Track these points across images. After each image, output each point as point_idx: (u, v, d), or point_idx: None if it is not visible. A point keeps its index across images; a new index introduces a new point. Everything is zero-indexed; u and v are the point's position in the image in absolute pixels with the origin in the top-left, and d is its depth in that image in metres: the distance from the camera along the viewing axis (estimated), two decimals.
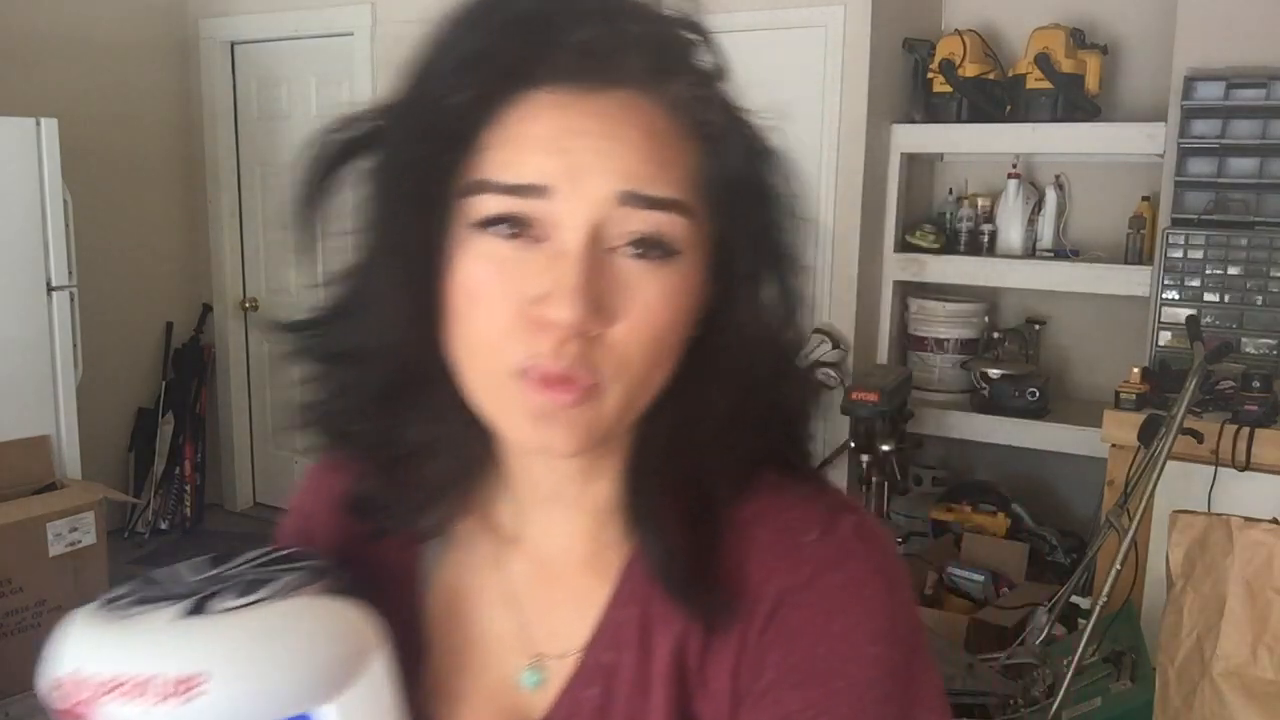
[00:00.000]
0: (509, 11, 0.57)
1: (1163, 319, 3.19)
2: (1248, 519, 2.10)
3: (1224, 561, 2.08)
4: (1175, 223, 3.17)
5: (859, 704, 0.58)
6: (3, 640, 3.03)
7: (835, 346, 3.57)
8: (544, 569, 0.68)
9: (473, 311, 0.58)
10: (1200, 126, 3.11)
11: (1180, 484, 2.55)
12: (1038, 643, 2.52)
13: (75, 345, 3.52)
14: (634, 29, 0.58)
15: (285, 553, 0.65)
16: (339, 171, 0.61)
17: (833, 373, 3.53)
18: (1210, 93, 3.08)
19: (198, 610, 0.58)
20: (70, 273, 3.49)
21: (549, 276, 0.56)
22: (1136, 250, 3.42)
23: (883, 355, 3.82)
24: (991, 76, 3.56)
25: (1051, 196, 3.66)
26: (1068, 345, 3.81)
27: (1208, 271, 3.12)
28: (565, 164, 0.55)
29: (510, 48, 0.56)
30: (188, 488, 4.65)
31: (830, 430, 3.70)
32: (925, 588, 3.31)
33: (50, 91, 3.98)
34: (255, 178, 4.67)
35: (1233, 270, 3.09)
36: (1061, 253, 3.63)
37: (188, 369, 4.68)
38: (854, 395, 3.18)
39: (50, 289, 3.43)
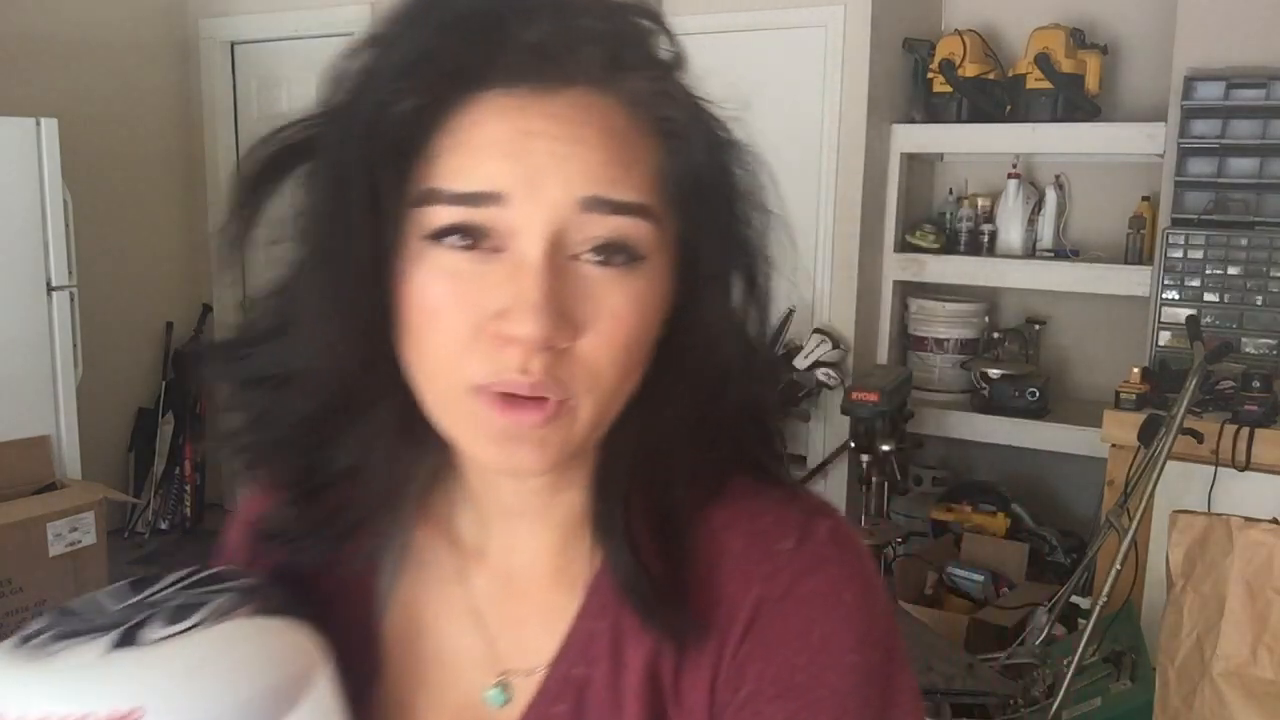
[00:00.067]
0: (452, 9, 0.54)
1: (1163, 319, 3.19)
2: (1248, 519, 2.10)
3: (1224, 561, 2.08)
4: (1175, 223, 3.17)
5: (840, 713, 0.57)
6: (2, 640, 3.02)
7: (835, 346, 3.57)
8: (509, 583, 0.66)
9: (429, 329, 0.55)
10: (1200, 126, 3.11)
11: (1180, 484, 2.55)
12: (1038, 643, 2.52)
13: (75, 345, 3.51)
14: (587, 23, 0.54)
15: (210, 573, 0.61)
16: (273, 183, 0.58)
17: (833, 373, 3.54)
18: (1210, 93, 3.08)
19: (126, 642, 0.54)
20: (70, 273, 3.48)
21: (509, 290, 0.53)
22: (1136, 250, 3.42)
23: (883, 355, 3.82)
24: (991, 76, 3.56)
25: (1051, 196, 3.66)
26: (1068, 345, 3.81)
27: (1208, 271, 3.11)
28: (521, 169, 0.52)
29: (456, 48, 0.53)
30: (188, 488, 4.66)
31: (830, 430, 3.70)
32: (925, 588, 3.32)
33: (50, 91, 3.98)
34: None
35: (1233, 270, 3.09)
36: (1061, 253, 3.63)
37: (188, 369, 4.69)
38: (854, 395, 3.18)
39: (50, 289, 3.43)
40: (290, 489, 0.64)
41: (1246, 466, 2.57)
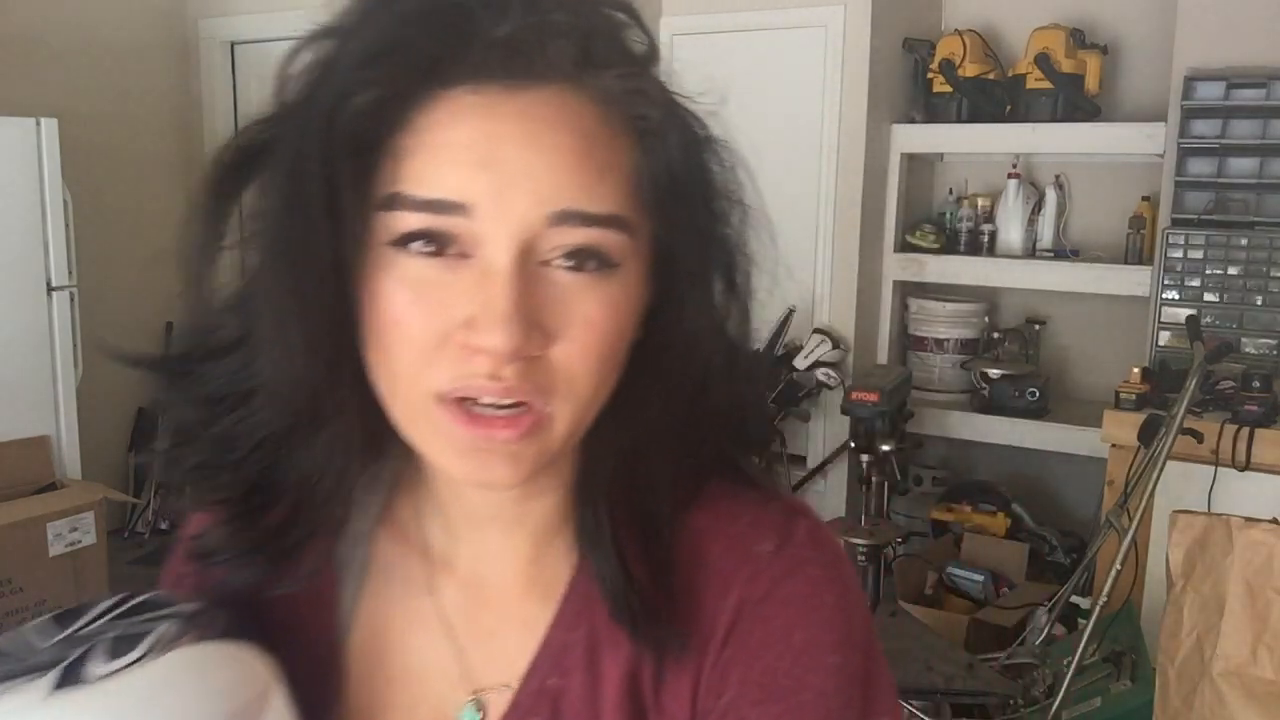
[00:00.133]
0: (418, 0, 0.51)
1: (1163, 319, 3.19)
2: (1248, 519, 2.10)
3: (1224, 561, 2.08)
4: (1175, 223, 3.17)
5: (824, 715, 0.57)
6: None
7: (835, 346, 3.57)
8: (479, 593, 0.63)
9: (393, 338, 0.52)
10: (1200, 126, 3.11)
11: (1180, 484, 2.55)
12: (1038, 643, 2.52)
13: (75, 345, 3.51)
14: (559, 16, 0.52)
15: (141, 600, 0.58)
16: (237, 188, 0.55)
17: (833, 373, 3.54)
18: (1210, 93, 3.08)
19: (70, 680, 0.52)
20: (70, 273, 3.48)
21: (477, 298, 0.50)
22: (1136, 250, 3.43)
23: (883, 355, 3.82)
24: (991, 76, 3.56)
25: (1051, 196, 3.66)
26: (1068, 345, 3.82)
27: (1208, 271, 3.12)
28: (488, 179, 0.50)
29: (422, 40, 0.50)
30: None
31: (830, 430, 3.70)
32: (925, 588, 3.32)
33: (50, 91, 3.98)
34: None
35: (1233, 270, 3.09)
36: (1061, 253, 3.63)
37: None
38: (854, 395, 3.18)
39: (50, 289, 3.43)
40: (230, 505, 0.60)
41: (1246, 466, 2.57)
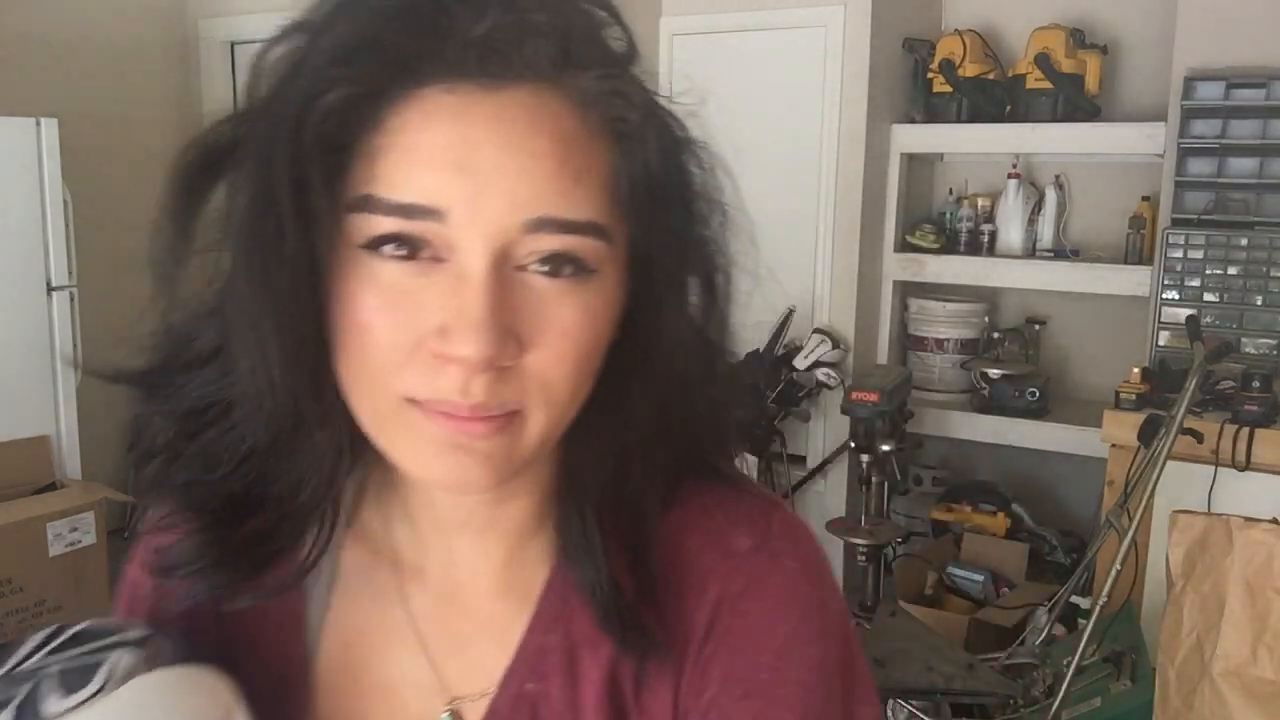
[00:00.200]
0: None
1: (1163, 319, 3.19)
2: (1248, 519, 2.10)
3: (1224, 561, 2.08)
4: (1175, 223, 3.17)
5: (806, 707, 0.57)
6: (2, 640, 3.03)
7: (835, 346, 3.57)
8: (452, 600, 0.62)
9: (361, 343, 0.51)
10: (1200, 126, 3.11)
11: (1180, 484, 2.55)
12: (1038, 643, 2.52)
13: (75, 345, 3.51)
14: (538, 15, 0.51)
15: (78, 630, 0.56)
16: (205, 188, 0.53)
17: (833, 373, 3.54)
18: (1210, 93, 3.08)
19: (27, 718, 0.50)
20: (70, 273, 3.48)
21: (450, 305, 0.49)
22: (1136, 250, 3.43)
23: (883, 355, 3.82)
24: (991, 76, 3.56)
25: (1051, 196, 3.66)
26: (1068, 345, 3.81)
27: (1207, 271, 3.12)
28: (463, 184, 0.48)
29: (396, 36, 0.49)
30: None
31: (830, 430, 3.70)
32: (925, 588, 3.32)
33: (50, 91, 3.98)
34: None
35: (1232, 270, 3.09)
36: (1061, 253, 3.63)
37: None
38: (854, 395, 3.18)
39: (50, 289, 3.43)
40: (205, 516, 0.58)
41: (1246, 466, 2.57)
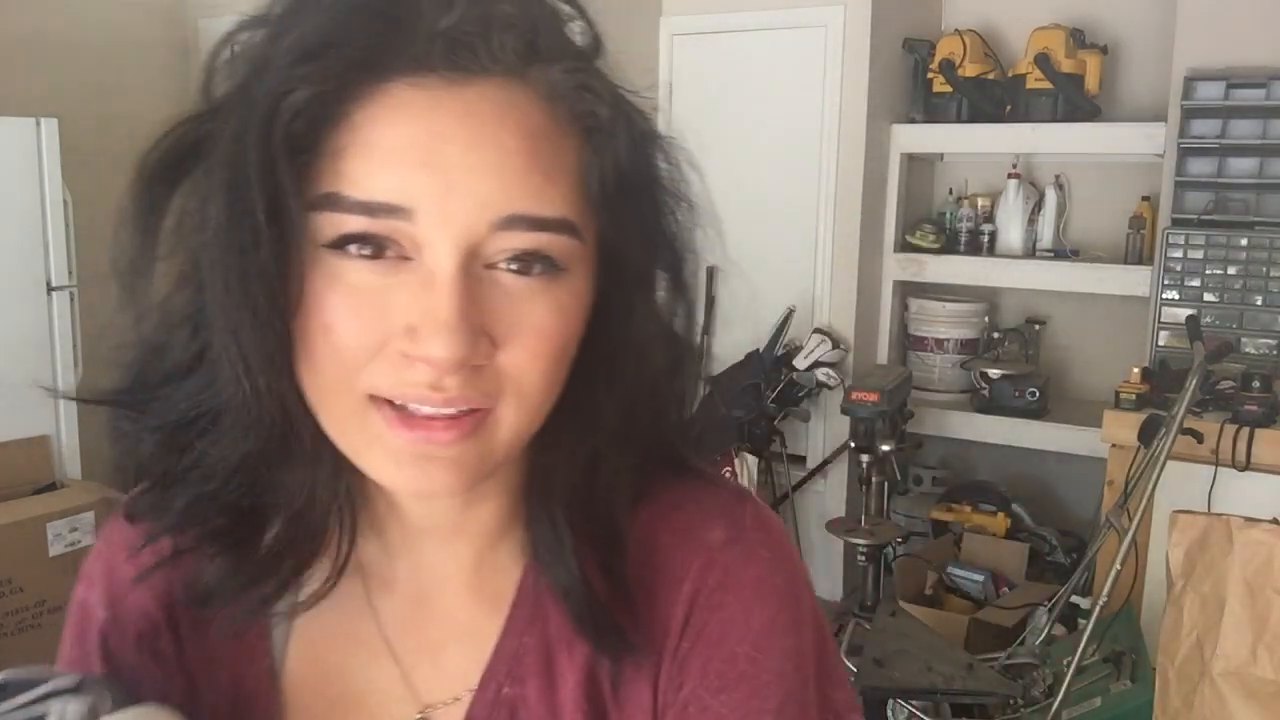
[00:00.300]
0: None
1: (1163, 319, 3.19)
2: (1248, 519, 2.10)
3: (1224, 561, 2.08)
4: (1175, 223, 3.17)
5: (784, 696, 0.57)
6: (3, 640, 3.02)
7: (835, 346, 3.57)
8: (421, 607, 0.61)
9: (328, 346, 0.49)
10: (1200, 126, 3.11)
11: (1180, 484, 2.55)
12: (1038, 643, 2.52)
13: (75, 345, 3.51)
14: (504, 7, 0.50)
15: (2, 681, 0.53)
16: (168, 190, 0.51)
17: (833, 373, 3.54)
18: (1210, 93, 3.08)
19: None
20: (70, 273, 3.48)
21: (418, 305, 0.48)
22: (1136, 250, 3.43)
23: (883, 355, 3.82)
24: (991, 76, 3.56)
25: (1051, 196, 3.66)
26: (1068, 345, 3.82)
27: (1207, 271, 3.12)
28: (431, 182, 0.47)
29: (361, 32, 0.48)
30: None
31: (830, 430, 3.70)
32: (925, 588, 3.31)
33: (50, 91, 3.98)
34: None
35: (1232, 270, 3.09)
36: (1061, 253, 3.63)
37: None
38: (854, 395, 3.18)
39: (50, 289, 3.43)
40: (218, 540, 0.57)
41: (1246, 466, 2.57)
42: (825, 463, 3.71)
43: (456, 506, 0.59)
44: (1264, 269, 3.05)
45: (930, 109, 3.67)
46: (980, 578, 3.28)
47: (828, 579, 3.77)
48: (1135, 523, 2.32)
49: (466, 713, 0.60)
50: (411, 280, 0.48)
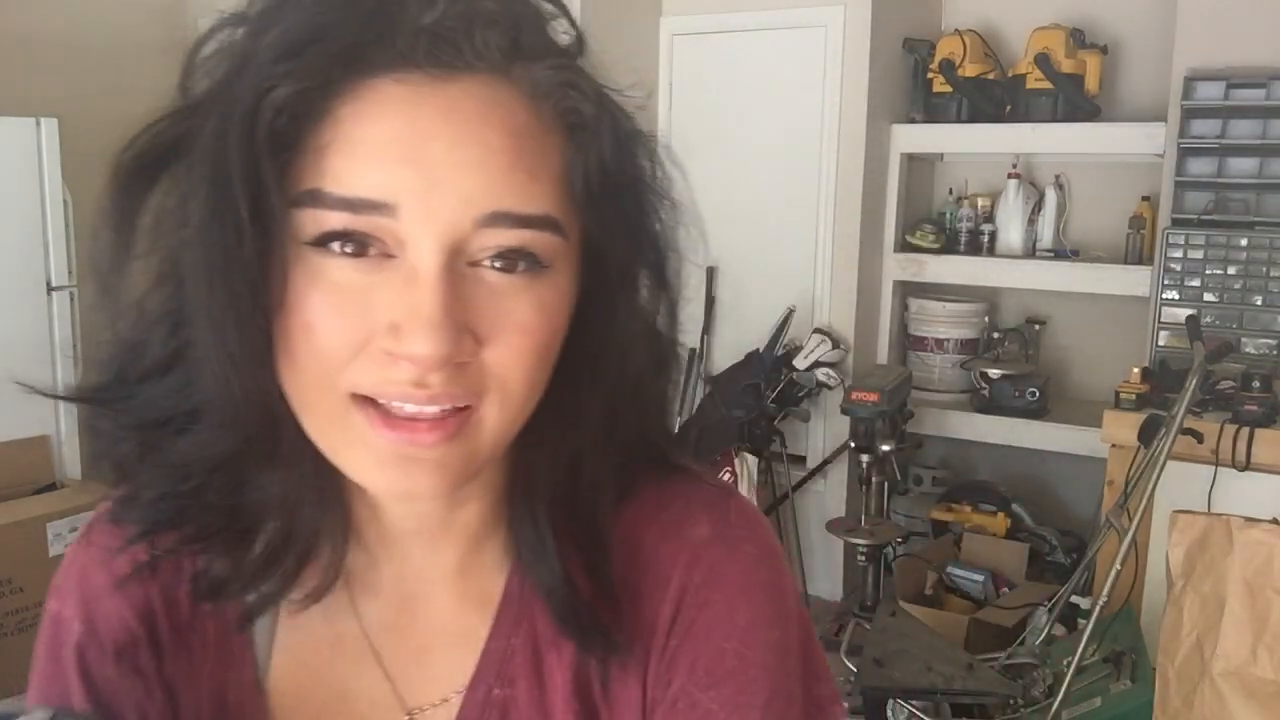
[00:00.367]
0: None
1: (1163, 319, 3.19)
2: (1248, 519, 2.10)
3: (1224, 561, 2.08)
4: (1175, 223, 3.17)
5: (772, 690, 0.58)
6: (3, 640, 3.02)
7: (835, 346, 3.57)
8: (406, 610, 0.61)
9: (309, 345, 0.49)
10: (1200, 126, 3.11)
11: (1180, 484, 2.55)
12: (1038, 643, 2.52)
13: (75, 345, 3.51)
14: (488, 4, 0.50)
15: None
16: (145, 188, 0.51)
17: (833, 373, 3.54)
18: (1210, 93, 3.08)
19: None
20: (70, 273, 3.48)
21: (402, 303, 0.48)
22: (1136, 250, 3.43)
23: (883, 355, 3.82)
24: (991, 76, 3.56)
25: (1051, 196, 3.66)
26: (1068, 345, 3.82)
27: (1207, 272, 3.12)
28: (414, 178, 0.47)
29: (344, 27, 0.47)
30: None
31: (830, 430, 3.70)
32: (925, 588, 3.32)
33: (50, 91, 3.98)
34: None
35: (1232, 270, 3.09)
36: (1061, 253, 3.63)
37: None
38: (854, 395, 3.18)
39: (50, 289, 3.43)
40: (200, 542, 0.57)
41: (1246, 466, 2.57)
42: (825, 463, 3.71)
43: (439, 509, 0.58)
44: (1264, 269, 3.05)
45: (930, 109, 3.67)
46: (980, 578, 3.28)
47: (828, 579, 3.77)
48: (1135, 523, 2.32)
49: (457, 714, 0.60)
50: (394, 278, 0.48)
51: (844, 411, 3.26)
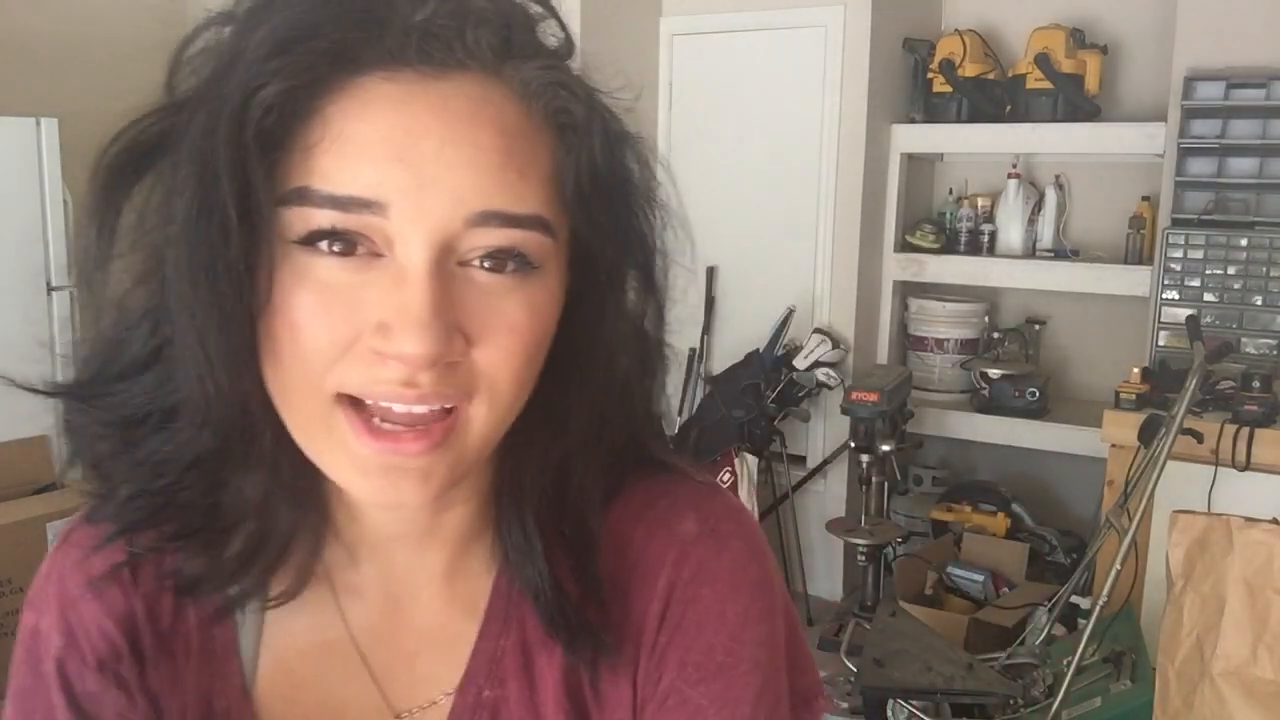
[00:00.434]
0: None
1: (1163, 319, 3.19)
2: (1248, 519, 2.10)
3: (1224, 561, 2.08)
4: (1175, 223, 3.17)
5: (762, 684, 0.58)
6: (3, 640, 3.02)
7: (835, 346, 3.57)
8: (393, 614, 0.60)
9: (295, 344, 0.48)
10: (1200, 126, 3.11)
11: (1180, 484, 2.55)
12: (1038, 643, 2.52)
13: (75, 345, 3.51)
14: (477, 2, 0.49)
15: None
16: (130, 185, 0.51)
17: (833, 373, 3.54)
18: (1210, 93, 3.08)
19: None
20: (70, 273, 3.48)
21: (391, 302, 0.47)
22: (1136, 250, 3.43)
23: (883, 355, 3.82)
24: (991, 76, 3.56)
25: (1051, 196, 3.66)
26: (1068, 345, 3.82)
27: (1207, 272, 3.12)
28: (404, 177, 0.46)
29: (334, 25, 0.47)
30: None
31: (830, 430, 3.70)
32: (925, 588, 3.32)
33: (50, 91, 3.97)
34: None
35: (1232, 270, 3.09)
36: (1061, 253, 3.63)
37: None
38: (854, 395, 3.18)
39: (50, 289, 3.43)
40: (177, 540, 0.56)
41: (1246, 466, 2.57)
42: (825, 463, 3.71)
43: (425, 514, 0.58)
44: (1264, 269, 3.05)
45: (930, 109, 3.67)
46: (980, 578, 3.28)
47: (828, 579, 3.77)
48: (1135, 523, 2.32)
49: (448, 716, 0.60)
50: (383, 277, 0.48)
51: (844, 411, 3.26)
